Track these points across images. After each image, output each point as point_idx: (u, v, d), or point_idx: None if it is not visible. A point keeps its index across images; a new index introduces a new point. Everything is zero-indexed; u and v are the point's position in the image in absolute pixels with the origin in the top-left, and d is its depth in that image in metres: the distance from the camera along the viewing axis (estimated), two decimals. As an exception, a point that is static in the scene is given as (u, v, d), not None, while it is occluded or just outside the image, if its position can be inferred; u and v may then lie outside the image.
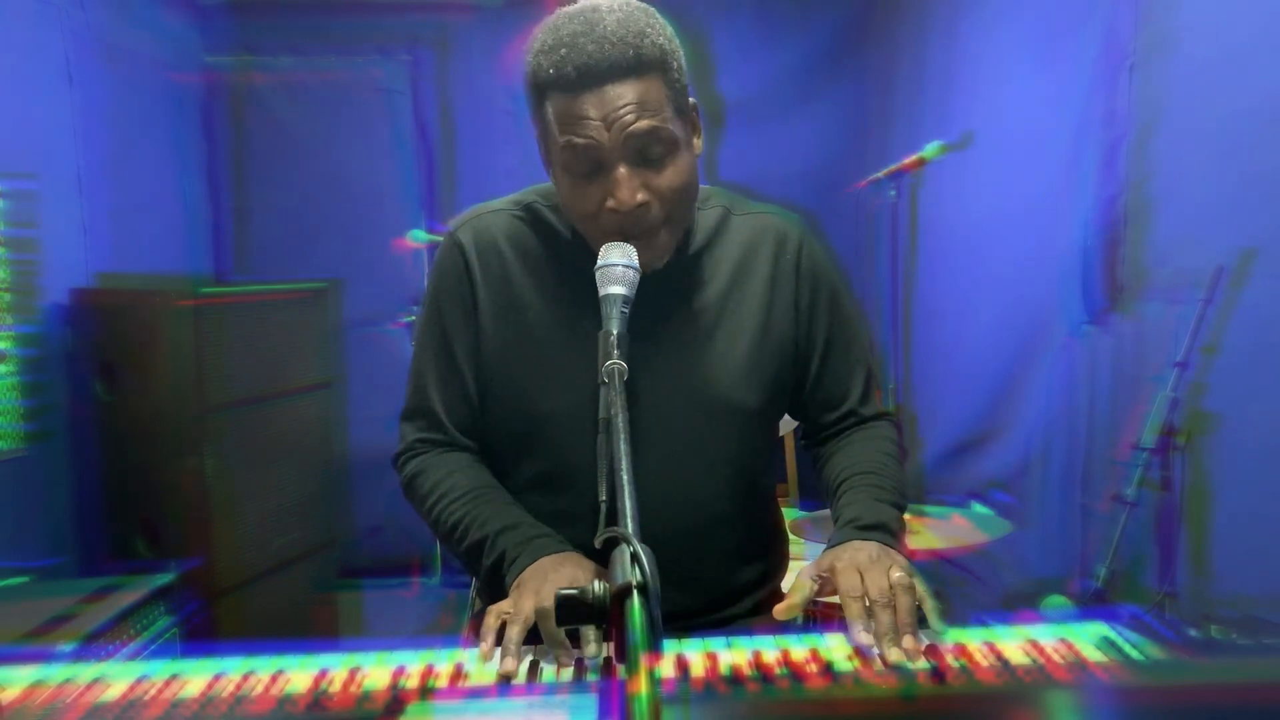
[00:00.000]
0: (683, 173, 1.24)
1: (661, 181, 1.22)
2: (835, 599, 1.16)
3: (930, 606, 1.12)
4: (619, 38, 1.17)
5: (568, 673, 1.07)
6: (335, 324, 3.29)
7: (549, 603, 1.08)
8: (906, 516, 1.71)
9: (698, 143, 1.30)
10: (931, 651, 1.07)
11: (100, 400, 2.74)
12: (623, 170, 1.20)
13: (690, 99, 1.28)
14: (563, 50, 1.18)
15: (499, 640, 1.10)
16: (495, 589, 1.26)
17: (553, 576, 1.17)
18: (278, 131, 4.01)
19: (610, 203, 1.21)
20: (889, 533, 1.27)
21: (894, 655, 1.05)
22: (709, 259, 1.39)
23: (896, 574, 1.13)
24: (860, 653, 1.07)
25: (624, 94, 1.18)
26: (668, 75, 1.22)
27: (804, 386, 1.46)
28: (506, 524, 1.28)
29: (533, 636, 1.12)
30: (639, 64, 1.18)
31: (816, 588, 1.18)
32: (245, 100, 4.00)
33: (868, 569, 1.14)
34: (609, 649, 1.07)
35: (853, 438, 1.46)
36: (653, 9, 1.25)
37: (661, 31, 1.23)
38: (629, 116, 1.18)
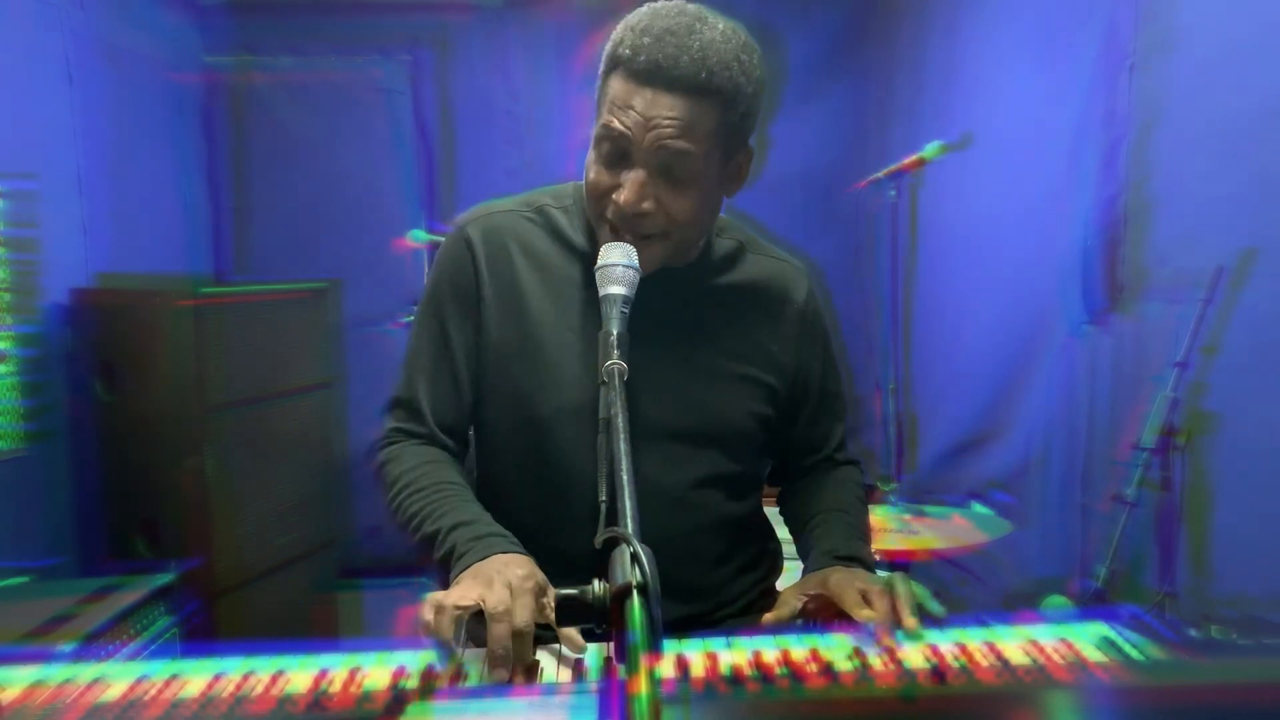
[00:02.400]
0: (696, 203, 1.25)
1: (673, 202, 1.23)
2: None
3: (923, 596, 1.15)
4: (701, 56, 1.17)
5: (567, 673, 1.07)
6: (335, 324, 3.29)
7: (503, 605, 1.04)
8: (907, 518, 1.70)
9: (733, 187, 1.31)
10: (932, 651, 1.07)
11: (100, 400, 2.74)
12: (639, 174, 1.21)
13: (749, 144, 1.28)
14: (647, 39, 1.18)
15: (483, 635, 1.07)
16: (445, 584, 1.23)
17: (506, 573, 1.11)
18: (278, 131, 4.01)
19: (616, 194, 1.22)
20: (864, 566, 1.32)
21: (910, 621, 1.10)
22: (718, 285, 1.40)
23: (887, 578, 1.18)
24: (859, 651, 1.07)
25: (675, 107, 1.18)
26: (728, 111, 1.21)
27: (790, 430, 1.49)
28: (461, 520, 1.25)
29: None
30: (704, 88, 1.18)
31: (800, 606, 1.21)
32: (245, 100, 3.99)
33: (862, 580, 1.19)
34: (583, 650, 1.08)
35: (824, 479, 1.51)
36: (755, 46, 1.24)
37: (746, 72, 1.22)
38: (668, 130, 1.18)
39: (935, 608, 1.15)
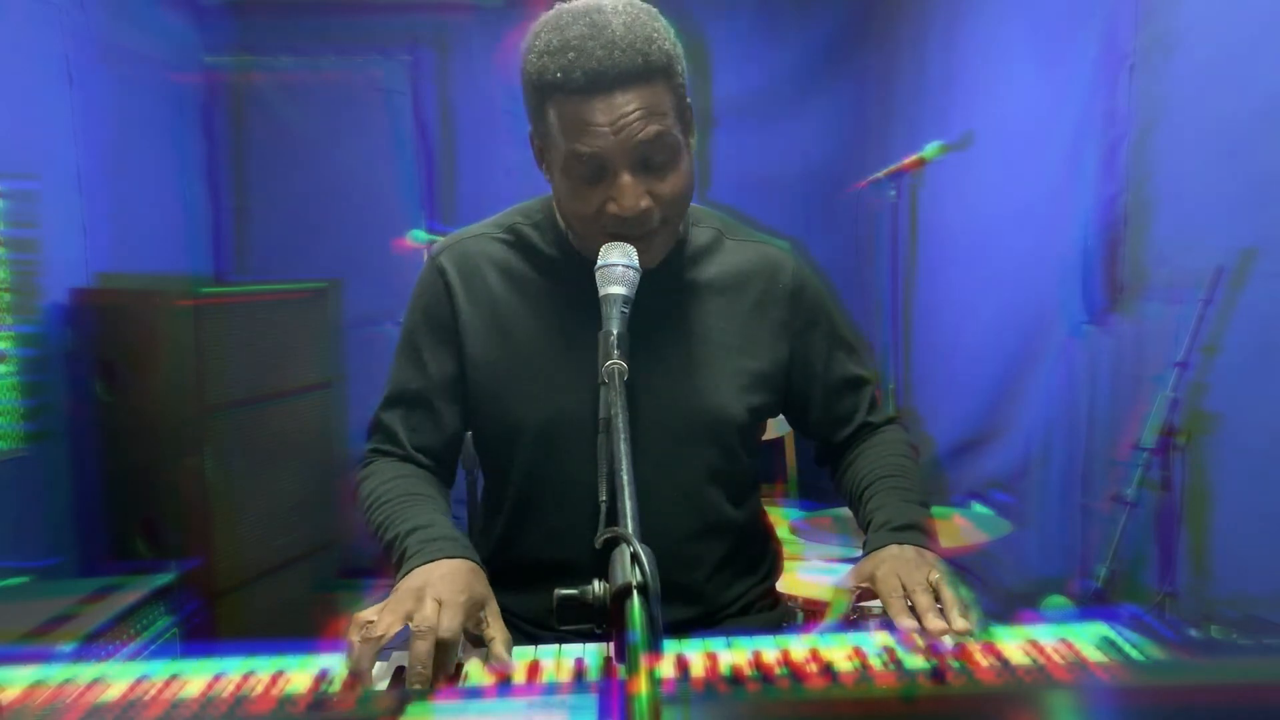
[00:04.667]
0: (684, 178, 1.25)
1: (664, 188, 1.23)
2: (872, 604, 1.18)
3: (970, 605, 1.13)
4: (628, 43, 1.16)
5: (568, 672, 1.07)
6: (335, 324, 3.29)
7: (427, 623, 1.03)
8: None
9: (692, 142, 1.30)
10: (931, 651, 1.07)
11: (100, 400, 2.74)
12: (627, 178, 1.20)
13: (687, 99, 1.28)
14: (570, 54, 1.16)
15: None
16: None
17: (439, 586, 1.10)
18: (278, 131, 4.01)
19: (612, 207, 1.21)
20: (922, 531, 1.28)
21: (937, 624, 1.07)
22: (698, 276, 1.39)
23: (935, 575, 1.15)
24: (859, 651, 1.07)
25: (632, 100, 1.17)
26: (672, 80, 1.21)
27: (810, 411, 1.48)
28: (417, 525, 1.23)
29: (525, 637, 1.11)
30: (647, 70, 1.17)
31: (855, 599, 1.19)
32: (245, 100, 4.00)
33: (907, 573, 1.16)
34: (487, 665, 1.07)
35: (868, 445, 1.48)
36: (655, 10, 1.24)
37: (666, 35, 1.21)
38: (637, 124, 1.17)
39: (961, 624, 1.12)
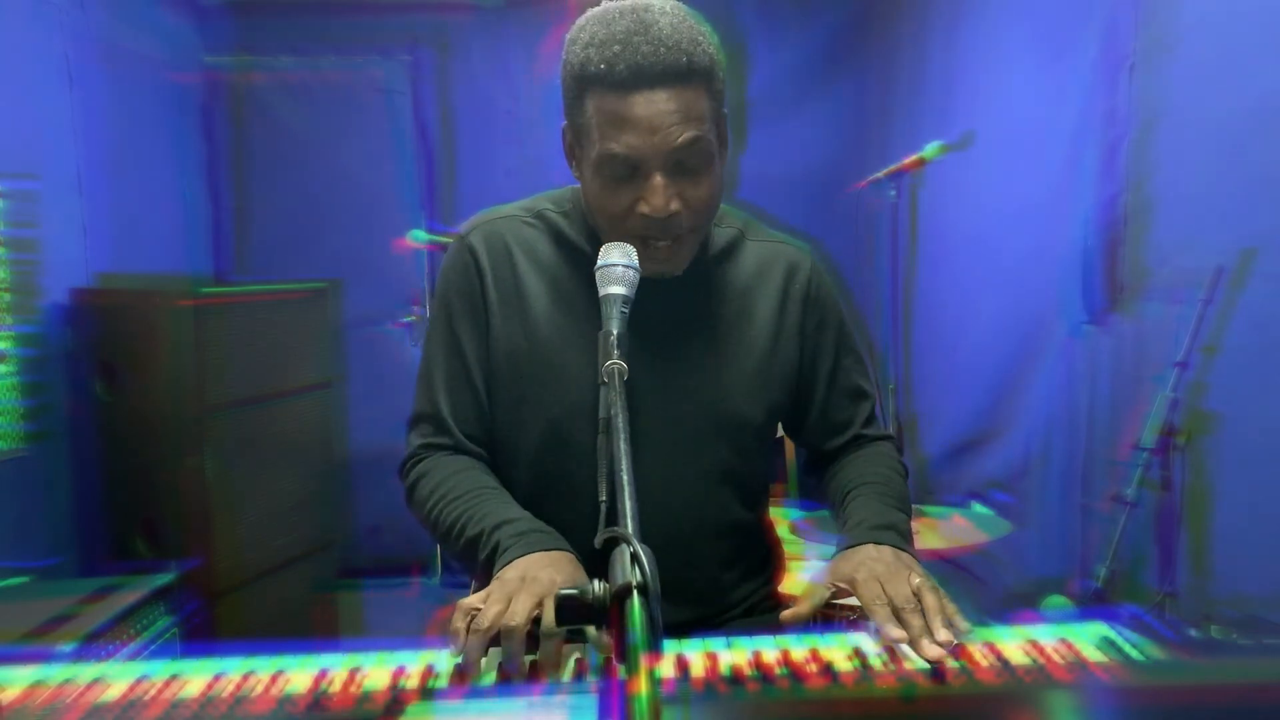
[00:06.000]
0: (715, 185, 1.25)
1: (695, 193, 1.23)
2: (849, 600, 1.17)
3: (952, 610, 1.12)
4: (674, 42, 1.17)
5: (568, 672, 1.07)
6: (335, 324, 3.29)
7: (518, 620, 1.03)
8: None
9: (725, 154, 1.31)
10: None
11: (100, 400, 2.74)
12: (660, 179, 1.20)
13: (724, 110, 1.28)
14: (616, 46, 1.16)
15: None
16: (486, 584, 1.22)
17: (530, 583, 1.10)
18: (278, 131, 4.01)
19: (643, 208, 1.21)
20: (899, 534, 1.27)
21: (932, 652, 1.06)
22: (720, 276, 1.40)
23: (916, 579, 1.14)
24: (859, 651, 1.07)
25: (671, 100, 1.17)
26: (712, 86, 1.22)
27: (807, 414, 1.47)
28: (504, 518, 1.24)
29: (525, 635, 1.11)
30: (690, 71, 1.18)
31: (829, 595, 1.18)
32: (245, 100, 4.00)
33: (888, 578, 1.15)
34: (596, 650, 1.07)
35: (857, 455, 1.48)
36: (701, 15, 1.25)
37: (710, 41, 1.22)
38: (674, 127, 1.18)
39: (962, 624, 1.11)
